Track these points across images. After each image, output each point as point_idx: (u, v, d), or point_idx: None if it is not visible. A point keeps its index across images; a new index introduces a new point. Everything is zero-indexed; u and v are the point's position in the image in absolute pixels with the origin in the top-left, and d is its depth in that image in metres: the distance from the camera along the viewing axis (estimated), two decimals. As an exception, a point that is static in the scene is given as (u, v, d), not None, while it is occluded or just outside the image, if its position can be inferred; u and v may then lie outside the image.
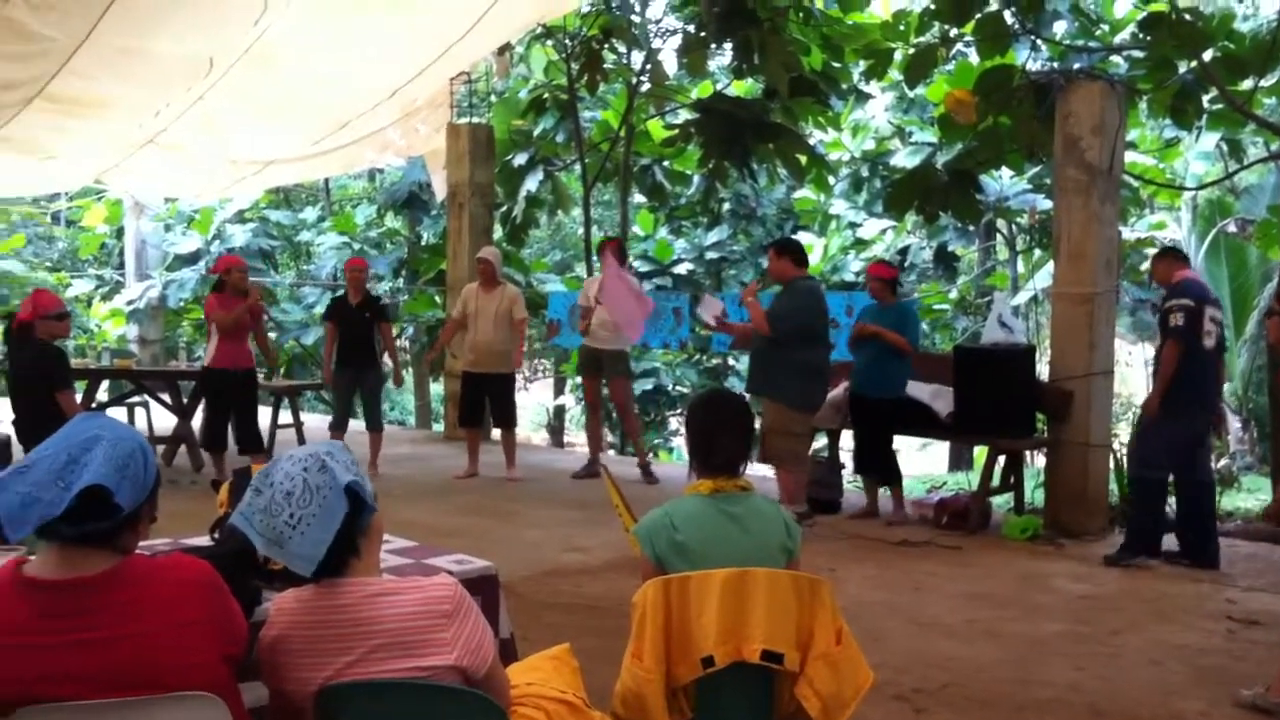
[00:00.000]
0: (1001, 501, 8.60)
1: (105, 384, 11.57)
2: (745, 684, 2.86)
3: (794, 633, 2.83)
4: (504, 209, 13.88)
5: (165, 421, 10.13)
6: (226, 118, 10.77)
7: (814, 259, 16.89)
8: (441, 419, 15.31)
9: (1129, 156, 11.38)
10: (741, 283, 16.63)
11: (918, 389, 8.13)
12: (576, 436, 19.36)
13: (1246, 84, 8.60)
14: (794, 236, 11.96)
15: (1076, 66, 8.94)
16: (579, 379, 11.50)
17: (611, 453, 10.56)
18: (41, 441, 2.15)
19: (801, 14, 10.84)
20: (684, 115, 12.78)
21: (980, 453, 11.23)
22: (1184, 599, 6.11)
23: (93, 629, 2.06)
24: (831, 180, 15.31)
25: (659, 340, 11.96)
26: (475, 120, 12.28)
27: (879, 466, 8.12)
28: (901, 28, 10.52)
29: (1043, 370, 8.97)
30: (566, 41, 12.63)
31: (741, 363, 17.56)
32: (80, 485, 2.05)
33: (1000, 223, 16.36)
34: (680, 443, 18.79)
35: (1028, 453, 9.26)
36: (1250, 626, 5.55)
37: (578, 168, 13.48)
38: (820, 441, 9.51)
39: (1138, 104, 9.30)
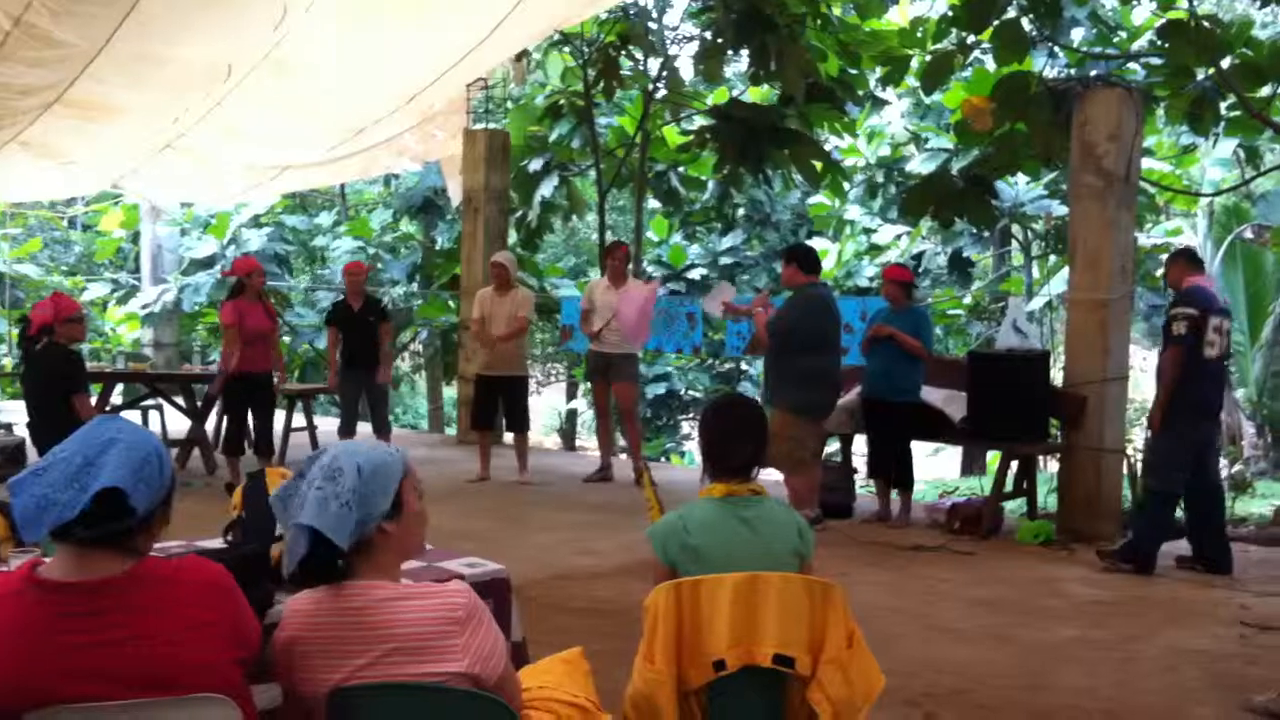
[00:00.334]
0: (1014, 506, 8.58)
1: (119, 387, 11.61)
2: (757, 688, 2.87)
3: (806, 637, 2.83)
4: (519, 214, 13.92)
5: (179, 424, 10.17)
6: (244, 124, 10.81)
7: (828, 264, 16.90)
8: (454, 423, 15.34)
9: (1145, 163, 11.35)
10: (755, 288, 16.62)
11: (931, 393, 8.12)
12: (588, 440, 19.34)
13: (1265, 91, 8.59)
14: (806, 243, 11.93)
15: (1094, 73, 8.96)
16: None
17: (623, 456, 10.56)
18: (56, 445, 2.17)
19: (819, 20, 10.85)
20: (700, 121, 12.81)
21: (993, 458, 11.21)
22: (1197, 604, 6.09)
23: (108, 631, 2.07)
24: (846, 186, 15.33)
25: (672, 345, 11.97)
26: (492, 126, 12.32)
27: (894, 471, 8.12)
28: (919, 34, 10.55)
29: (1057, 376, 8.96)
30: (583, 48, 12.67)
31: (754, 367, 17.56)
32: (96, 487, 2.06)
33: (1015, 228, 16.34)
34: (692, 447, 18.80)
35: (1041, 458, 9.24)
36: (1264, 632, 5.52)
37: (593, 173, 13.51)
38: (833, 446, 9.50)
39: (1155, 110, 9.28)
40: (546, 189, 13.58)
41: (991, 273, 18.24)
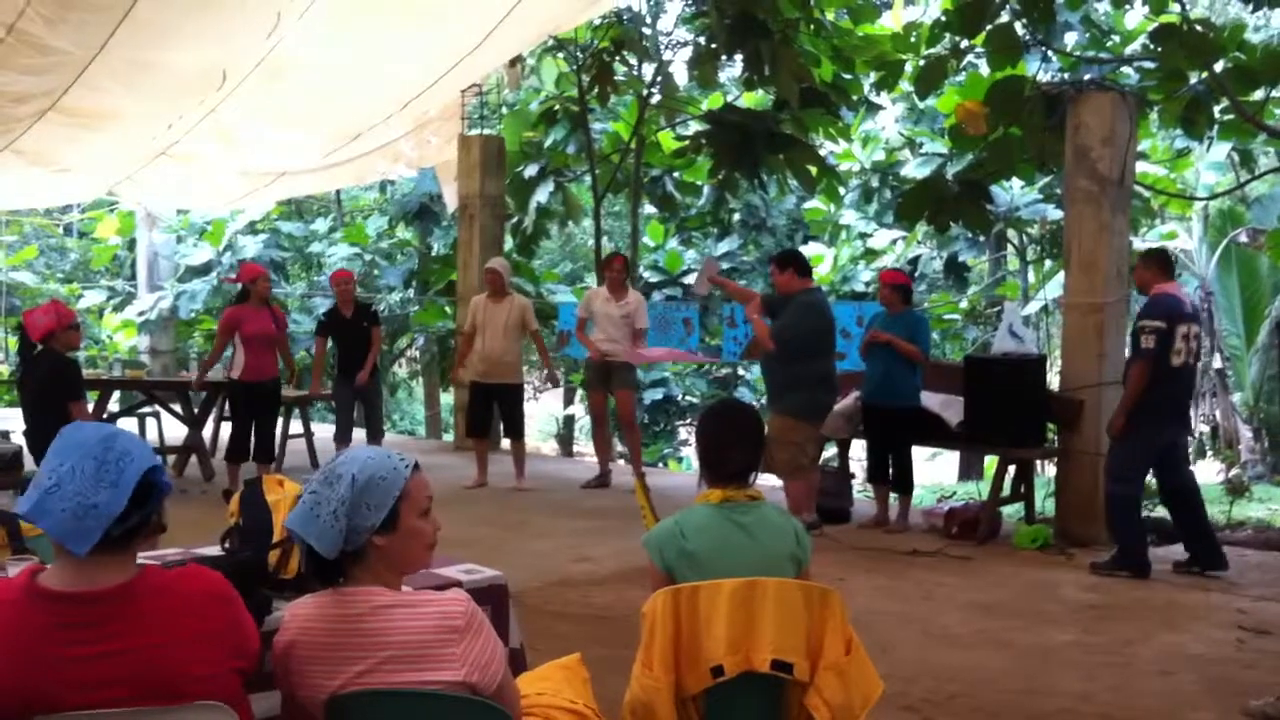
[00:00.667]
0: (1011, 511, 8.58)
1: (116, 394, 11.60)
2: (755, 694, 2.87)
3: (804, 642, 2.83)
4: (515, 220, 13.92)
5: (176, 432, 10.17)
6: (239, 130, 10.80)
7: (824, 269, 16.91)
8: (451, 429, 15.32)
9: (1140, 167, 11.36)
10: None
11: (928, 398, 8.13)
12: (586, 446, 19.34)
13: (1258, 94, 8.60)
14: (796, 248, 11.91)
15: (1087, 77, 8.96)
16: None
17: (621, 462, 10.56)
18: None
19: (812, 25, 10.86)
20: (694, 126, 12.80)
21: (990, 462, 11.22)
22: (1194, 608, 6.09)
23: (108, 641, 2.06)
24: (842, 191, 15.32)
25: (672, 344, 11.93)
26: (486, 132, 12.32)
27: (895, 475, 8.12)
28: (912, 39, 10.54)
29: (1053, 380, 8.96)
30: (578, 54, 12.67)
31: (751, 372, 17.55)
32: (133, 476, 2.08)
33: (1011, 233, 16.34)
34: (689, 452, 18.78)
35: (1038, 462, 9.23)
36: (1261, 636, 5.53)
37: (588, 179, 13.51)
38: (830, 450, 9.50)
39: (1148, 114, 9.30)
40: (542, 195, 13.58)
41: (987, 277, 18.25)
